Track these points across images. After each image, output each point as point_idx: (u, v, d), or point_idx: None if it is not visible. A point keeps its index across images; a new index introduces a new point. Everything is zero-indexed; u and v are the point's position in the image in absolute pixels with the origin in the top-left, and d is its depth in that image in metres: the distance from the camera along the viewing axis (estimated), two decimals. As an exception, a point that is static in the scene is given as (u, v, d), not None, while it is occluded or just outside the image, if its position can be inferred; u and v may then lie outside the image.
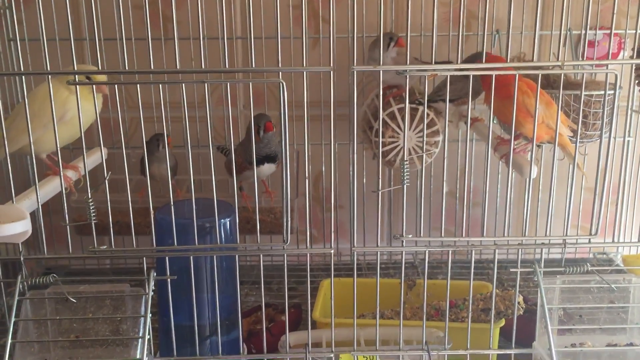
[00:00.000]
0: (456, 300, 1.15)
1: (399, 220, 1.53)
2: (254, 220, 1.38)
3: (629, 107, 1.20)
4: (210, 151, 0.90)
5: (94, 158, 1.14)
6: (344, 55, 1.43)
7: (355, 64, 0.85)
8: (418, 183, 1.46)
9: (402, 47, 1.24)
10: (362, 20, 1.39)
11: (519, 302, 1.06)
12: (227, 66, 0.84)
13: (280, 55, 0.85)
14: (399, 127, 1.25)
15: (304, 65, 0.84)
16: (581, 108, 0.87)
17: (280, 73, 0.84)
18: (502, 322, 1.08)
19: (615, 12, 0.85)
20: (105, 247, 0.90)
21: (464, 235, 0.92)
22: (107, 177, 0.88)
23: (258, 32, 1.35)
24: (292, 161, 1.36)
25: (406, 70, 0.87)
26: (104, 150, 1.21)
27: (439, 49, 1.47)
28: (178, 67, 0.83)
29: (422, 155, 0.90)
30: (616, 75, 0.83)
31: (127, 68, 0.85)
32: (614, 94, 0.84)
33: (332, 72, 0.83)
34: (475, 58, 1.17)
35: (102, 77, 0.97)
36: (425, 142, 1.26)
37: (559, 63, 0.85)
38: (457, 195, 1.49)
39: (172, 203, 0.90)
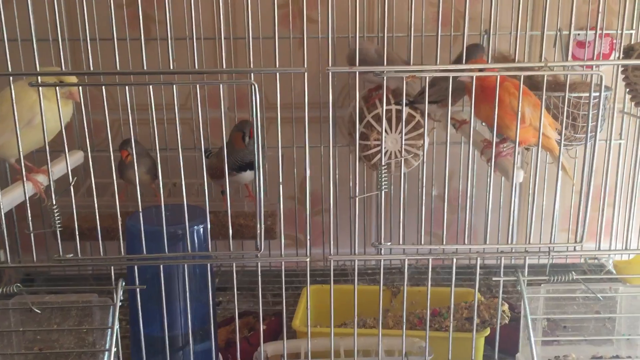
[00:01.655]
0: (440, 308, 1.12)
1: (386, 226, 1.50)
2: (236, 225, 1.36)
3: (615, 109, 1.16)
4: (179, 154, 0.87)
5: (71, 161, 1.11)
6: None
7: (331, 65, 0.82)
8: (405, 187, 1.45)
9: None
10: (348, 20, 1.36)
11: (504, 311, 1.02)
12: (196, 67, 0.80)
13: (251, 56, 0.82)
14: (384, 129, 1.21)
15: (276, 66, 0.80)
16: (565, 110, 0.84)
17: (252, 75, 0.81)
18: (487, 332, 1.04)
19: (600, 11, 0.82)
20: (71, 255, 0.87)
21: (444, 242, 0.88)
22: (72, 183, 0.85)
23: (243, 32, 1.31)
24: (275, 164, 1.33)
25: (384, 72, 0.83)
26: (79, 154, 1.19)
27: (427, 49, 1.44)
28: (145, 69, 0.79)
29: (402, 159, 0.87)
30: (601, 77, 0.80)
31: (92, 68, 0.81)
32: (600, 95, 0.81)
33: (305, 74, 0.79)
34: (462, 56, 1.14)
35: (72, 79, 0.94)
36: (410, 145, 1.24)
37: (543, 64, 0.81)
38: (446, 199, 1.46)
39: (140, 210, 0.87)
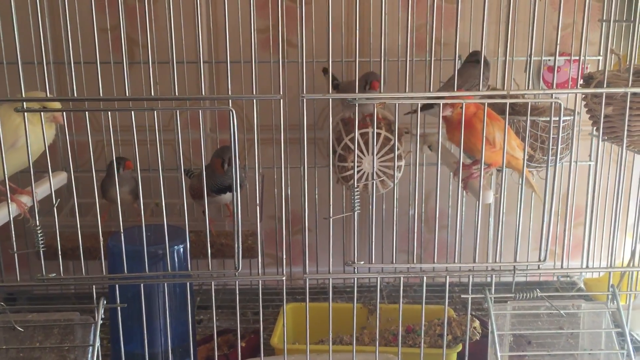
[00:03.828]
0: (414, 325, 1.15)
1: (364, 245, 1.53)
2: (218, 244, 1.39)
3: (585, 132, 1.21)
4: (160, 175, 0.89)
5: (55, 182, 1.14)
6: (311, 79, 1.44)
7: (305, 92, 0.85)
8: (383, 207, 1.48)
9: (376, 89, 1.23)
10: (329, 45, 1.40)
11: (475, 327, 1.06)
12: (176, 93, 0.84)
13: (230, 83, 0.85)
14: (361, 151, 1.25)
15: (254, 92, 0.84)
16: (533, 133, 0.88)
17: (230, 101, 0.84)
18: (459, 347, 1.08)
19: (558, 36, 0.86)
20: (54, 274, 0.89)
21: (414, 261, 0.92)
22: (56, 204, 0.88)
23: (225, 57, 1.35)
24: (252, 185, 1.36)
25: (355, 99, 0.87)
26: (63, 175, 1.22)
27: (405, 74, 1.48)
28: (127, 94, 0.83)
29: (372, 182, 0.91)
30: (560, 104, 0.85)
31: (76, 93, 0.85)
32: (559, 120, 0.86)
33: (281, 100, 0.83)
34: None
35: (55, 104, 0.97)
36: (387, 166, 1.28)
37: (505, 92, 0.86)
38: (421, 218, 1.49)
39: (121, 230, 0.90)
